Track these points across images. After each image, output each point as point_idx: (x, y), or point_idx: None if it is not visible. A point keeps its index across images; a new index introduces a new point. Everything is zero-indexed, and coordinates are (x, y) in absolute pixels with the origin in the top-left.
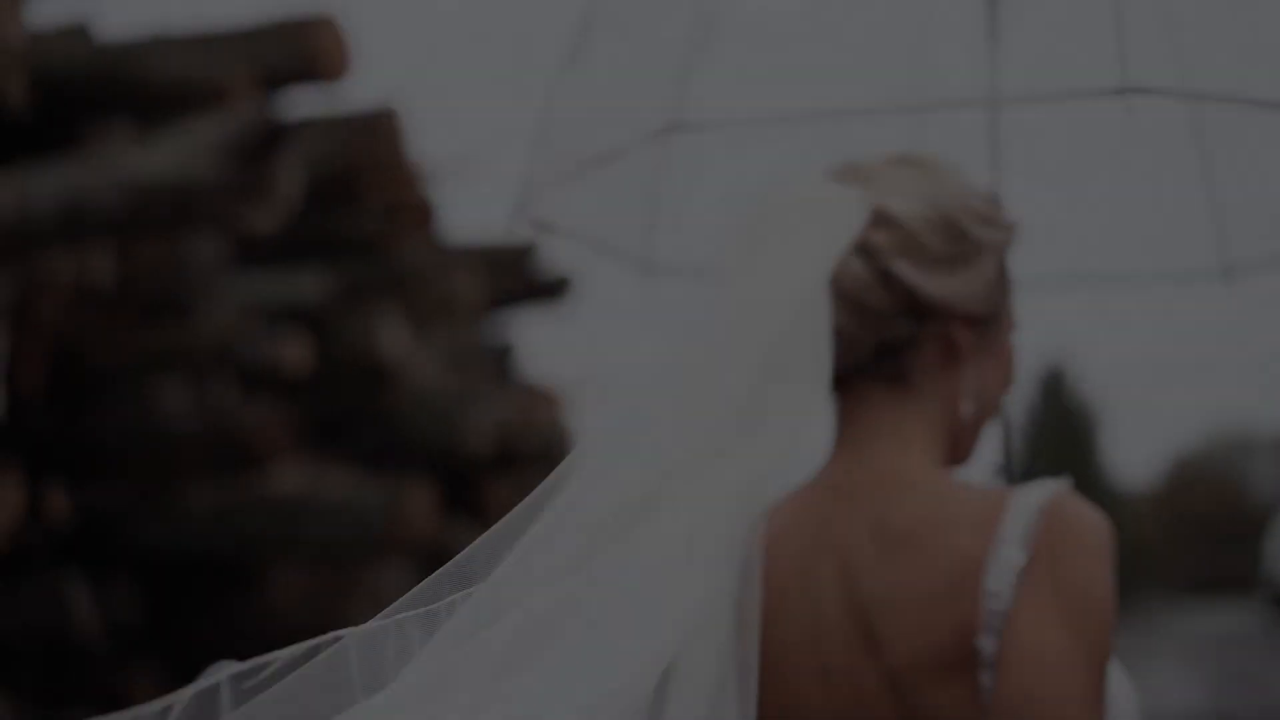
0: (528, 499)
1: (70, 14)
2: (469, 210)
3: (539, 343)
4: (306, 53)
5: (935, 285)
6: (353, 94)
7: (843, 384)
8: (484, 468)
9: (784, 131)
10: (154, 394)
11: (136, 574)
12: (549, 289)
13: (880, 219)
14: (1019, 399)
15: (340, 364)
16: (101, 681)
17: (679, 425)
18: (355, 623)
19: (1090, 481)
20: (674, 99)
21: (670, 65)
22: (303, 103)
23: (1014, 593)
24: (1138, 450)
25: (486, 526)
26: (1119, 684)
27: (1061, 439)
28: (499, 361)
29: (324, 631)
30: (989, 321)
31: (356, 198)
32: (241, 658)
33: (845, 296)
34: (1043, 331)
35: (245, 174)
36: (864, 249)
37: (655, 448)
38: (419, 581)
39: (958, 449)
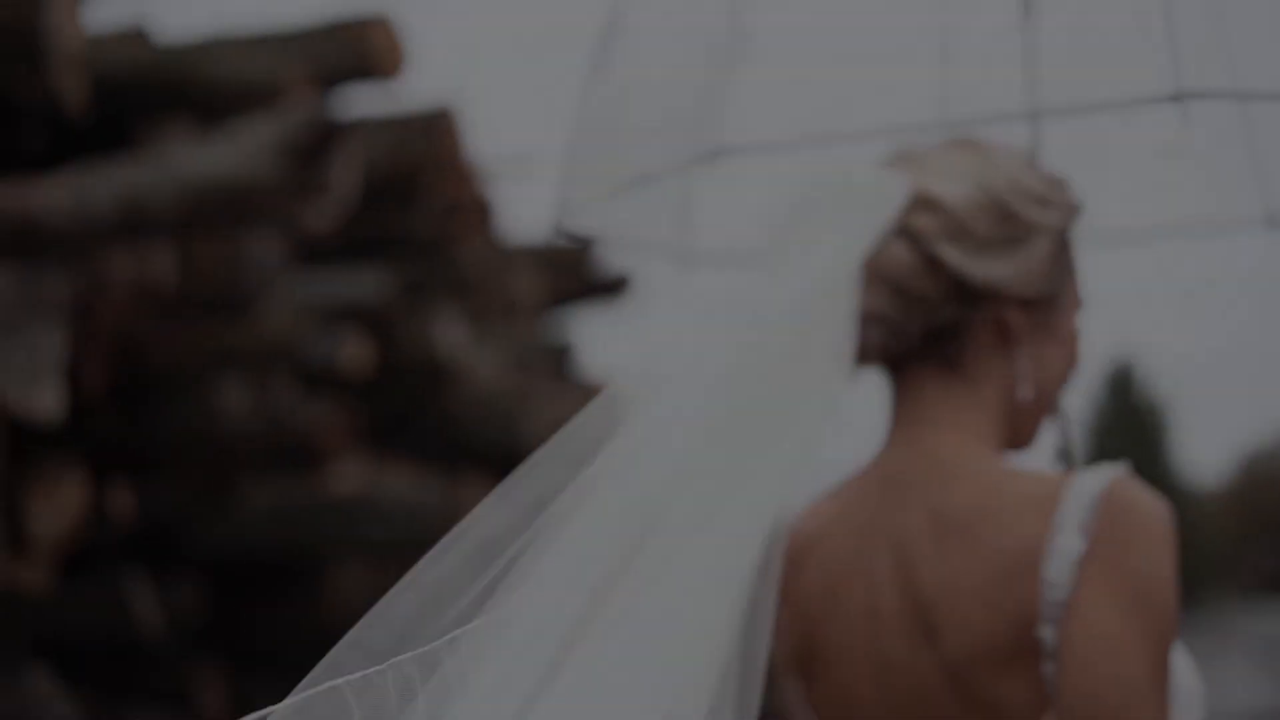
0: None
1: (130, 17)
2: (528, 209)
3: (598, 341)
4: (362, 52)
5: (983, 269)
6: (410, 93)
7: (897, 370)
8: None
9: (821, 154)
10: (214, 394)
11: (198, 573)
12: (608, 287)
13: (926, 203)
14: (1086, 396)
15: (400, 363)
16: (164, 679)
17: (705, 418)
18: None
19: (1159, 480)
20: (709, 120)
21: (703, 83)
22: (360, 102)
23: (1073, 581)
24: (1207, 448)
25: None
26: (1183, 670)
27: (1130, 437)
28: (558, 360)
29: None
30: (1046, 303)
31: (415, 197)
32: (301, 655)
33: (891, 282)
34: (1111, 328)
35: (300, 173)
36: (909, 234)
37: (682, 443)
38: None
39: (1019, 434)
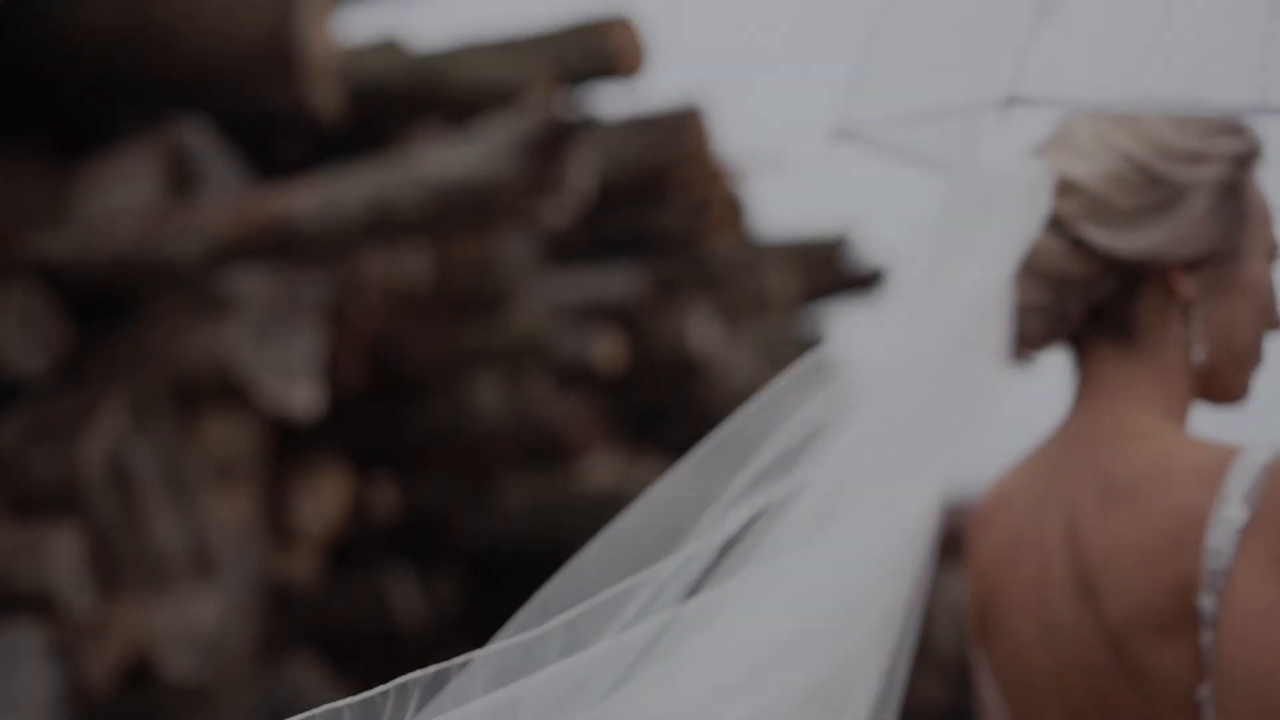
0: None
1: (385, 27)
2: (779, 205)
3: (852, 336)
4: (604, 52)
5: (1132, 242)
6: (661, 91)
7: (1076, 343)
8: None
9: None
10: (469, 392)
11: (458, 565)
12: (862, 282)
13: (1066, 186)
14: None
15: (652, 360)
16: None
17: (871, 418)
18: None
19: None
20: (1002, 66)
21: (996, 28)
22: (611, 102)
23: (1235, 551)
24: None
25: None
26: None
27: None
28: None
29: None
30: (1219, 259)
31: (666, 195)
32: None
33: (1043, 272)
34: None
35: (537, 171)
36: (1053, 220)
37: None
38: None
39: (1221, 390)
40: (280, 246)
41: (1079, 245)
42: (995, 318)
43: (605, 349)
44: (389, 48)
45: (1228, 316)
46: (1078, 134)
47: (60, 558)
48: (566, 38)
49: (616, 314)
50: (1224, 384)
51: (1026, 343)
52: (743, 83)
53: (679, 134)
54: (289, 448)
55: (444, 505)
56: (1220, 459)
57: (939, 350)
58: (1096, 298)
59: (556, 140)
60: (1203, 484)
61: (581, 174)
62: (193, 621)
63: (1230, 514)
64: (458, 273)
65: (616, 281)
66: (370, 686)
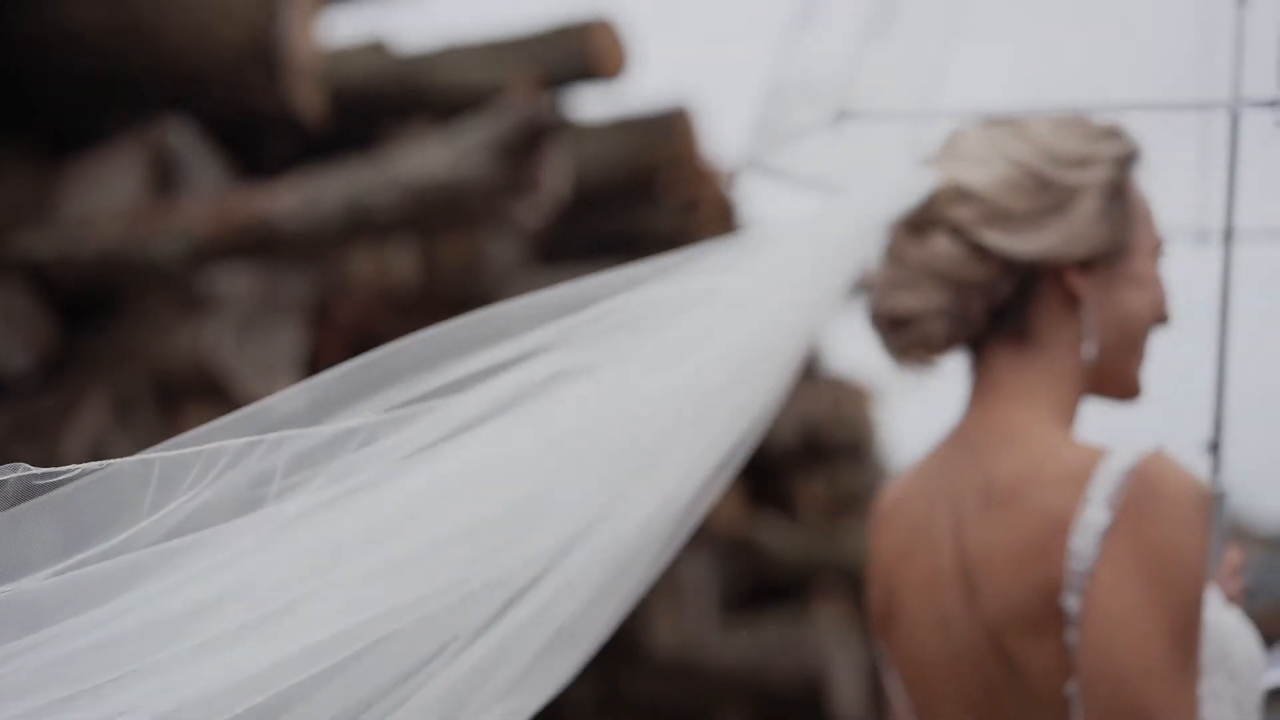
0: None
1: (371, 28)
2: (770, 204)
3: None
4: (585, 54)
5: (1028, 244)
6: (648, 91)
7: (975, 346)
8: (791, 462)
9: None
10: None
11: None
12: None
13: (960, 194)
14: None
15: None
16: None
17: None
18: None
19: None
20: (845, 84)
21: (846, 49)
22: (599, 102)
23: (1097, 553)
24: None
25: (793, 520)
26: (1244, 642)
27: None
28: (805, 357)
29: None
30: (1113, 255)
31: (654, 196)
32: None
33: (943, 277)
34: None
35: (512, 172)
36: (950, 227)
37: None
38: (724, 574)
39: (1113, 384)
40: (260, 246)
41: (978, 250)
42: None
43: None
44: (375, 49)
45: (1119, 312)
46: (966, 143)
47: None
48: (549, 40)
49: None
50: (1116, 380)
51: (931, 347)
52: (730, 82)
53: (667, 134)
54: None
55: None
56: (1087, 462)
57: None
58: (996, 300)
59: (531, 141)
60: (1069, 487)
61: (556, 175)
62: None
63: (1093, 517)
64: (446, 272)
65: None
66: None
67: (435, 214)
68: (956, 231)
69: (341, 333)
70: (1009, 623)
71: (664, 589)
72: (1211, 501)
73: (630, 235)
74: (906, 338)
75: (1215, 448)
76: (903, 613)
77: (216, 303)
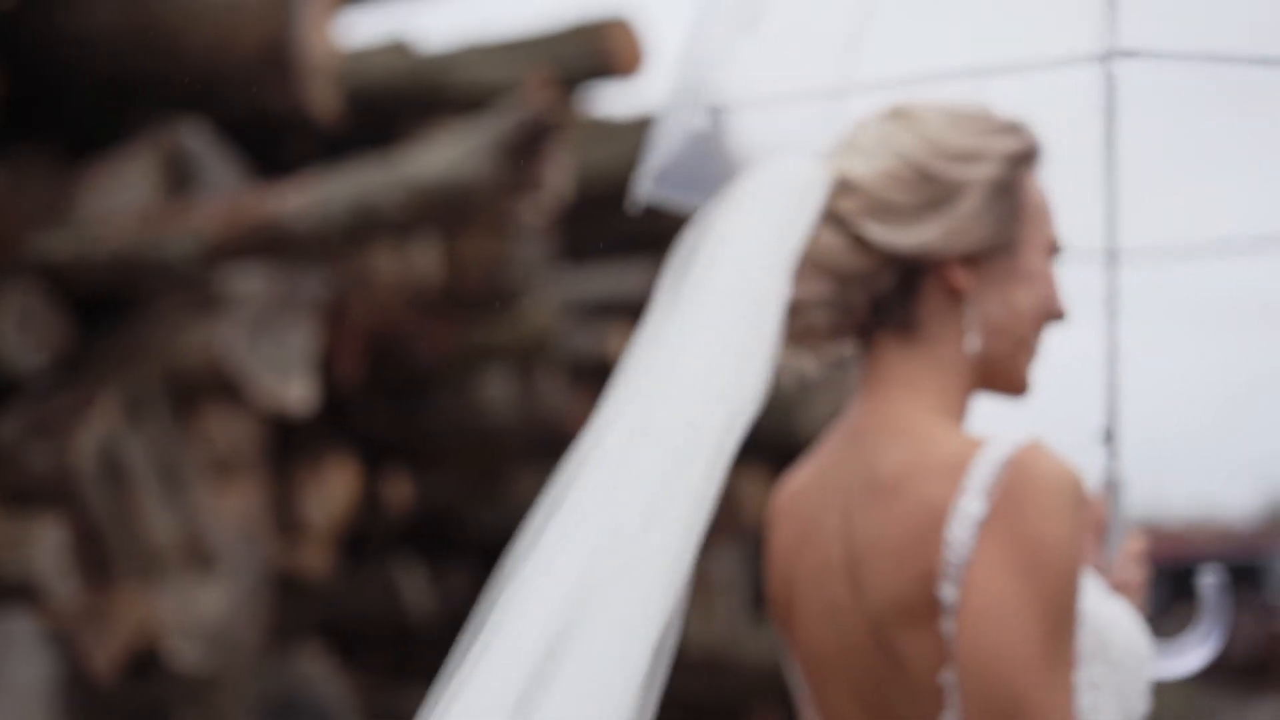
0: None
1: (391, 28)
2: None
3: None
4: (602, 52)
5: (909, 237)
6: (665, 89)
7: (863, 337)
8: None
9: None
10: (481, 387)
11: (469, 560)
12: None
13: (846, 185)
14: None
15: None
16: (441, 662)
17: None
18: None
19: None
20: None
21: (713, 44)
22: (616, 100)
23: (973, 543)
24: None
25: None
26: (1127, 631)
27: None
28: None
29: None
30: (999, 251)
31: None
32: None
33: (827, 268)
34: None
35: (514, 172)
36: (834, 218)
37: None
38: (753, 570)
39: (1001, 381)
40: (270, 246)
41: (858, 241)
42: (769, 323)
43: (618, 345)
44: (396, 49)
45: (1004, 309)
46: (862, 136)
47: (44, 548)
48: (568, 38)
49: (629, 310)
50: (1004, 375)
51: (814, 336)
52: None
53: None
54: (298, 442)
55: (457, 499)
56: (966, 453)
57: (713, 355)
58: (878, 292)
59: (533, 141)
60: (948, 477)
61: (560, 174)
62: (198, 613)
63: (970, 507)
64: (470, 270)
65: (630, 278)
66: (380, 677)
67: (441, 214)
68: (839, 223)
69: (357, 332)
70: (890, 613)
71: (693, 586)
72: (1083, 492)
73: (653, 232)
74: (793, 326)
75: (1109, 437)
76: (800, 605)
77: (230, 303)
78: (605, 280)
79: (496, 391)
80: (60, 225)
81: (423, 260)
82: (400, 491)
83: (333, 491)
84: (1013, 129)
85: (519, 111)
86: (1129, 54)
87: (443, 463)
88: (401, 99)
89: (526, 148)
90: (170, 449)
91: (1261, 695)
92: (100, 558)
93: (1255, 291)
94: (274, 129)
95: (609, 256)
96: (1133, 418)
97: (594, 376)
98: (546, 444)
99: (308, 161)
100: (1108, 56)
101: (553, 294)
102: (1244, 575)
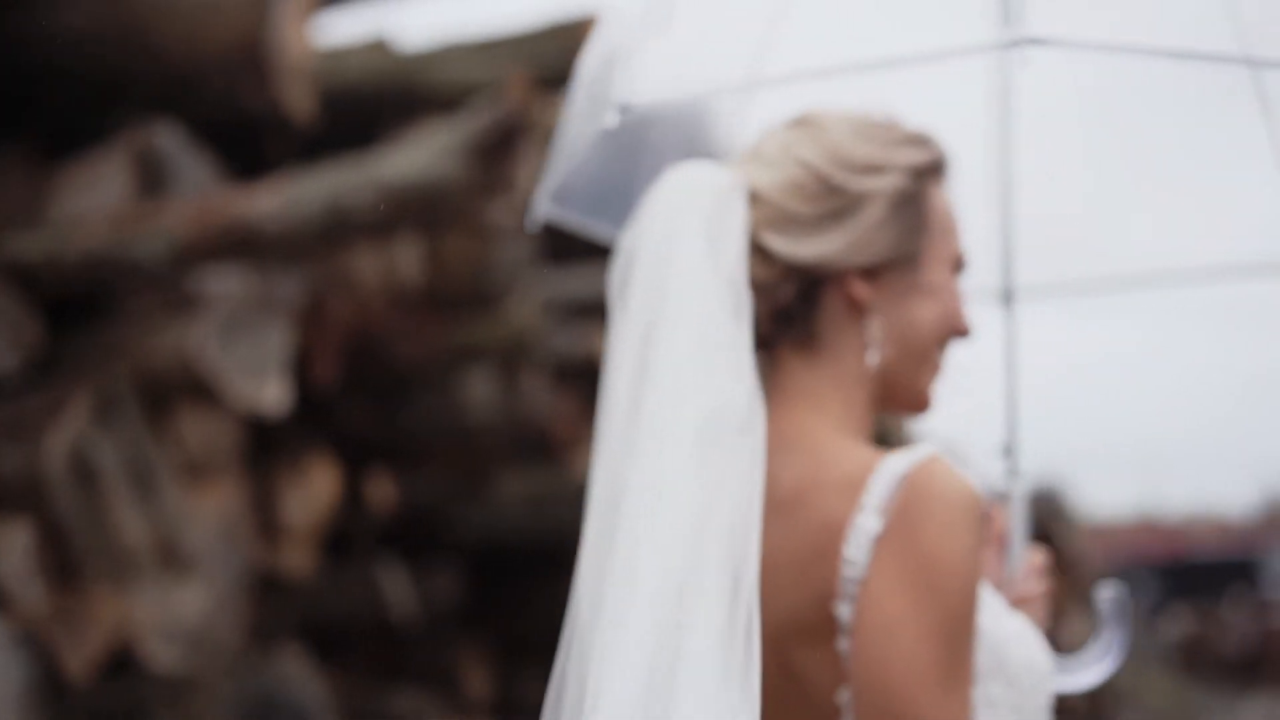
0: None
1: (371, 27)
2: None
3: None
4: (579, 53)
5: (809, 249)
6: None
7: (765, 350)
8: None
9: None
10: (464, 386)
11: (452, 560)
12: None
13: (751, 197)
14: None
15: None
16: (426, 663)
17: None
18: None
19: None
20: (617, 81)
21: (615, 46)
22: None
23: (869, 560)
24: None
25: None
26: (1026, 646)
27: None
28: None
29: None
30: (901, 264)
31: None
32: (556, 637)
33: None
34: None
35: (484, 172)
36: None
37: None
38: None
39: (902, 396)
40: (241, 247)
41: (759, 252)
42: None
43: (600, 345)
44: (376, 48)
45: (906, 322)
46: (767, 145)
47: (13, 551)
48: (547, 37)
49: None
50: (905, 390)
51: None
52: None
53: None
54: (279, 443)
55: (439, 499)
56: (865, 468)
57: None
58: (779, 304)
59: (504, 141)
60: (846, 493)
61: (531, 175)
62: (175, 614)
63: (866, 524)
64: (453, 270)
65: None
66: (361, 678)
67: (414, 214)
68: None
69: (335, 332)
70: (789, 630)
71: None
72: (981, 507)
73: None
74: None
75: (1009, 451)
76: None
77: (203, 303)
78: (587, 280)
79: (479, 391)
80: (32, 226)
81: (405, 260)
82: (383, 491)
83: (314, 491)
84: (919, 141)
85: (490, 111)
86: (1036, 41)
87: (425, 463)
88: (380, 98)
89: (498, 148)
90: (142, 450)
91: (1255, 691)
92: (71, 560)
93: (1255, 291)
94: (251, 128)
95: (591, 256)
96: (1133, 417)
97: (576, 376)
98: (529, 444)
99: (285, 161)
100: (1013, 44)
101: (535, 294)
102: (1240, 571)
